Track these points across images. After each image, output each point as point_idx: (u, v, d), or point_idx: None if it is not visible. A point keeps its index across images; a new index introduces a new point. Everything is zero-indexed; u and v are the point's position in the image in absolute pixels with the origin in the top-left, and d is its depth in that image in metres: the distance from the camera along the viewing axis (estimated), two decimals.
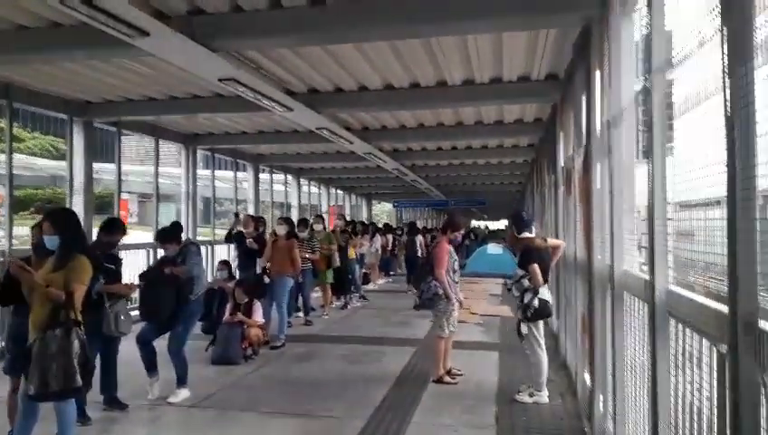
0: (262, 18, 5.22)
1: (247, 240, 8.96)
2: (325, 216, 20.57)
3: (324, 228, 11.42)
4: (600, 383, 4.55)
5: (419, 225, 24.37)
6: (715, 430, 2.11)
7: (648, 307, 2.99)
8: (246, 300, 7.47)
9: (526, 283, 5.67)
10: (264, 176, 16.25)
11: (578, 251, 5.88)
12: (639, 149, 3.65)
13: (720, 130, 1.93)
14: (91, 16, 4.37)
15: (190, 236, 11.23)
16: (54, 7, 4.42)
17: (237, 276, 8.84)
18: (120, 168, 10.37)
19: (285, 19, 5.18)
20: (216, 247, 12.43)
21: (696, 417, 2.40)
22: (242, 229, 9.30)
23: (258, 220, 9.65)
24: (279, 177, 17.70)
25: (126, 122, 10.17)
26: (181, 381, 5.65)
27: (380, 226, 20.32)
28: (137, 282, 5.63)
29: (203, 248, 10.54)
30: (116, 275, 5.15)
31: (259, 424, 5.12)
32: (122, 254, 6.97)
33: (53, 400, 3.72)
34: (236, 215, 10.46)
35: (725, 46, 1.93)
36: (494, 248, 19.16)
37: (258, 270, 8.82)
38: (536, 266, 5.61)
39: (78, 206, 9.14)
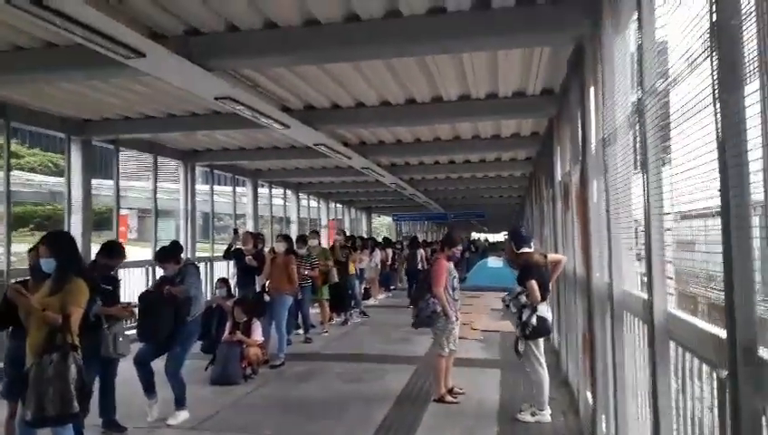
0: (257, 38, 5.24)
1: (246, 257, 8.94)
2: (324, 230, 20.63)
3: (320, 243, 11.37)
4: (602, 403, 4.51)
5: (420, 238, 24.34)
6: None
7: (648, 328, 2.97)
8: (245, 319, 7.43)
9: (524, 299, 5.65)
10: (263, 190, 16.26)
11: (577, 268, 5.86)
12: (637, 160, 3.64)
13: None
14: (84, 36, 4.38)
15: (189, 252, 11.22)
16: (49, 29, 4.43)
17: (236, 294, 8.79)
18: (118, 185, 10.39)
19: (280, 39, 5.20)
20: (215, 264, 12.39)
21: None
22: (241, 246, 9.27)
23: (257, 237, 9.63)
24: (278, 191, 17.71)
25: (124, 140, 10.18)
26: (180, 402, 5.60)
27: (380, 240, 20.30)
28: (135, 302, 5.61)
29: (202, 265, 10.54)
30: (113, 297, 5.13)
31: None
32: (121, 272, 6.99)
33: (50, 425, 3.69)
34: (235, 231, 10.46)
35: (716, 73, 1.93)
36: (494, 262, 19.14)
37: (257, 288, 8.78)
38: (534, 283, 5.58)
39: (76, 223, 9.14)
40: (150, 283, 9.67)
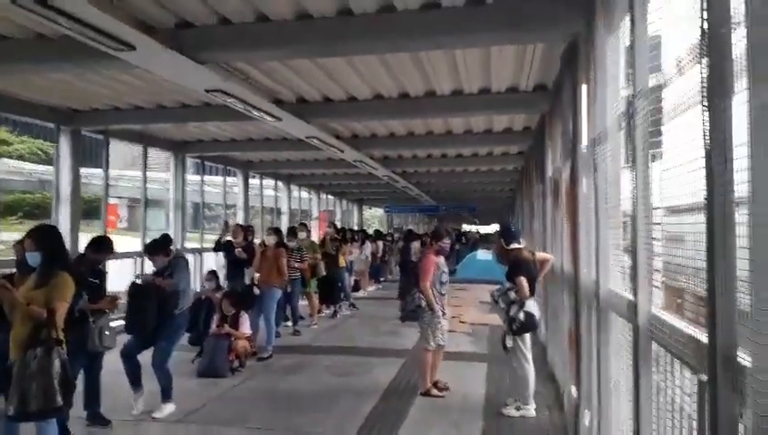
0: (249, 31, 5.21)
1: (236, 250, 8.92)
2: (315, 221, 20.61)
3: (309, 236, 11.36)
4: (586, 398, 4.55)
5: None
6: None
7: (632, 329, 3.00)
8: (233, 311, 7.43)
9: (513, 295, 5.68)
10: (254, 181, 16.21)
11: (565, 264, 5.89)
12: (627, 158, 3.65)
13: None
14: (75, 30, 4.34)
15: (179, 243, 11.18)
16: (37, 20, 4.38)
17: (225, 286, 8.78)
18: (107, 176, 10.32)
19: (273, 33, 5.17)
20: (205, 255, 12.36)
21: None
22: (231, 238, 9.25)
23: (247, 229, 9.61)
24: (269, 182, 17.66)
25: (114, 131, 10.10)
26: (166, 395, 5.60)
27: (371, 232, 20.31)
28: (121, 293, 5.59)
29: (191, 256, 10.53)
30: (99, 290, 5.10)
31: None
32: (109, 263, 6.94)
33: (33, 420, 3.68)
34: (226, 223, 10.43)
35: (705, 80, 1.94)
36: (484, 254, 19.21)
37: (247, 280, 8.77)
38: (523, 279, 5.62)
39: (65, 214, 9.09)
40: (139, 273, 9.64)
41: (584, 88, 4.62)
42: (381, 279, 18.59)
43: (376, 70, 6.79)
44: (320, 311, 11.20)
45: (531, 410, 5.62)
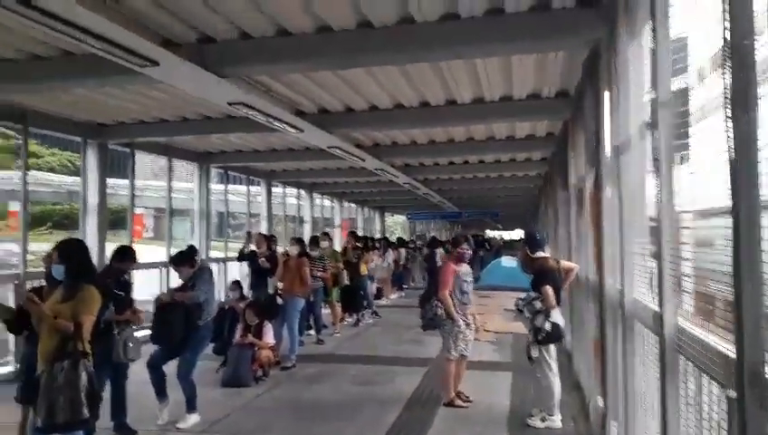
0: (270, 45, 5.26)
1: (259, 259, 8.99)
2: (337, 230, 20.68)
3: (331, 245, 11.39)
4: (613, 409, 4.48)
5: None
6: None
7: (658, 341, 2.95)
8: (257, 321, 7.48)
9: (538, 304, 5.62)
10: (277, 189, 16.35)
11: (590, 273, 5.82)
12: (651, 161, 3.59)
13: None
14: (101, 48, 4.44)
15: (203, 252, 11.31)
16: (65, 39, 4.49)
17: (249, 296, 8.85)
18: (133, 187, 10.50)
19: (293, 46, 5.21)
20: (229, 264, 12.47)
21: None
22: (254, 249, 9.33)
23: (270, 239, 9.69)
24: (292, 191, 17.78)
25: (139, 143, 10.28)
26: (190, 405, 5.65)
27: (394, 239, 20.31)
28: (145, 308, 5.66)
29: (215, 266, 10.64)
30: (125, 302, 5.19)
31: None
32: (135, 274, 7.06)
33: (60, 432, 3.73)
34: (248, 234, 10.51)
35: (728, 91, 1.91)
36: (508, 261, 19.05)
37: (270, 289, 8.83)
38: (549, 289, 5.56)
39: (92, 224, 9.26)
40: (165, 283, 9.78)
41: (607, 95, 4.58)
42: (404, 287, 18.57)
43: (396, 80, 6.80)
44: (342, 319, 11.22)
45: (557, 420, 5.55)
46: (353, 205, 24.07)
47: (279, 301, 8.30)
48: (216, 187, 14.88)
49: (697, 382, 2.51)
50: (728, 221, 1.91)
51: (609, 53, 4.29)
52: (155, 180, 24.99)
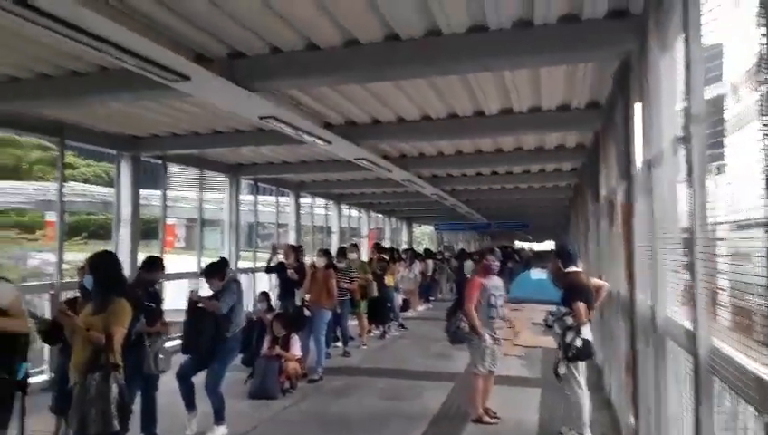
0: (299, 59, 5.31)
1: (288, 271, 9.04)
2: (365, 240, 20.72)
3: (359, 257, 11.38)
4: (645, 429, 4.37)
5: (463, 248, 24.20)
6: None
7: (692, 361, 2.86)
8: (284, 333, 7.51)
9: (569, 320, 5.50)
10: (305, 200, 16.47)
11: (621, 288, 5.70)
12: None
13: None
14: (135, 64, 4.55)
15: (233, 263, 11.43)
16: (101, 56, 4.61)
17: (276, 307, 8.90)
18: (165, 198, 10.69)
19: (322, 60, 5.26)
20: (257, 275, 12.58)
21: None
22: (282, 260, 9.38)
23: (297, 249, 9.73)
24: (320, 201, 17.89)
25: (171, 156, 10.48)
26: (218, 417, 5.69)
27: (421, 250, 20.24)
28: (175, 320, 5.74)
29: (244, 277, 10.73)
30: (156, 314, 5.26)
31: None
32: (166, 284, 7.15)
33: None
34: (274, 247, 10.52)
35: (764, 103, 1.87)
36: (537, 273, 18.81)
37: (297, 301, 8.87)
38: (582, 305, 5.43)
39: (125, 235, 9.44)
40: (193, 290, 9.87)
41: (638, 107, 4.50)
42: (431, 298, 18.47)
43: (425, 92, 6.81)
44: (369, 331, 11.20)
45: None
46: (380, 215, 24.10)
47: (306, 313, 8.32)
48: (246, 197, 15.08)
49: (733, 407, 2.43)
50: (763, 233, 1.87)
51: (641, 65, 4.23)
52: (187, 192, 25.39)
